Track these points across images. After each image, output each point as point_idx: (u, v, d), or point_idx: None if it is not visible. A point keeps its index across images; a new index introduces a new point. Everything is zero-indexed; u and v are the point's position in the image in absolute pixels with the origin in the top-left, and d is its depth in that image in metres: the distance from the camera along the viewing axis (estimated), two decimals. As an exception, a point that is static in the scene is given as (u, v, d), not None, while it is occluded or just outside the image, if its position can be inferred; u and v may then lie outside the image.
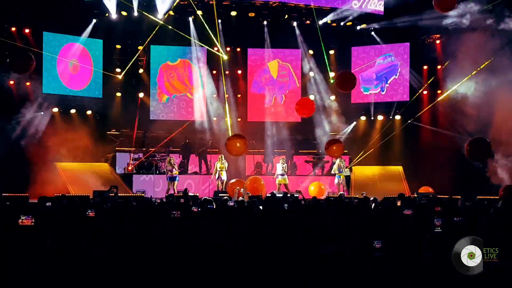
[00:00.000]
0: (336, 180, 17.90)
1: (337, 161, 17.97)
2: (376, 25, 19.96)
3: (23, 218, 5.35)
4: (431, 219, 6.26)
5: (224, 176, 17.31)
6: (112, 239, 6.37)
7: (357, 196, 15.21)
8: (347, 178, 19.05)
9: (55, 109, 18.87)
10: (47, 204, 10.61)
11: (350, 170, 19.36)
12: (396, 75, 20.30)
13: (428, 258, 5.21)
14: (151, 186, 17.95)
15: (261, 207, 10.12)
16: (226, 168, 17.42)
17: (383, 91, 20.62)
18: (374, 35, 20.36)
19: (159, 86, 20.39)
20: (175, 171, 17.13)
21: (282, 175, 17.65)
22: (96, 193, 14.21)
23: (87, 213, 7.97)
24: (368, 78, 20.76)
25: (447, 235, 6.40)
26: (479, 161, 15.00)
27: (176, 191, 16.39)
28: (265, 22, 19.99)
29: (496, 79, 16.02)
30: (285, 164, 17.91)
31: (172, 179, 17.01)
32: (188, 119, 20.52)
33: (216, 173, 17.36)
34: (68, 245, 5.83)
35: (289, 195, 13.64)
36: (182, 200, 10.33)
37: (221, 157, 17.50)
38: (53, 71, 18.48)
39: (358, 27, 20.34)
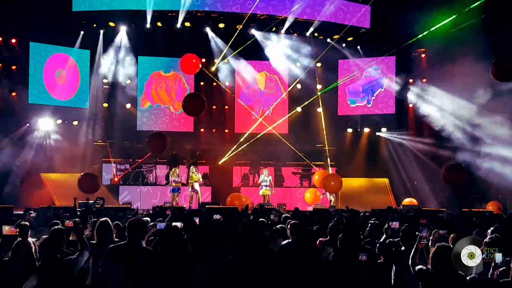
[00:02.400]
0: (328, 194, 17.86)
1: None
2: (362, 39, 20.21)
3: (8, 227, 5.34)
4: (418, 231, 6.31)
5: (198, 187, 17.28)
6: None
7: (343, 208, 15.27)
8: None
9: (41, 119, 18.72)
10: (32, 214, 10.54)
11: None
12: (382, 88, 20.46)
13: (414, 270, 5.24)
14: (149, 197, 18.01)
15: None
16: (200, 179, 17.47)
17: (369, 104, 20.77)
18: (360, 49, 20.58)
19: (145, 92, 20.31)
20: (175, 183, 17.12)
21: (266, 186, 17.69)
22: (81, 204, 14.10)
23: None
24: (355, 91, 20.92)
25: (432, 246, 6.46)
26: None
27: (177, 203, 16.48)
28: (252, 34, 20.05)
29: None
30: (270, 176, 17.94)
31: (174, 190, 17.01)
32: (176, 130, 20.51)
33: (190, 184, 17.32)
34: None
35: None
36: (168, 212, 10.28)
37: (195, 168, 17.43)
38: (39, 81, 18.34)
39: (344, 44, 20.57)
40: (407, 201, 17.46)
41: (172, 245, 5.63)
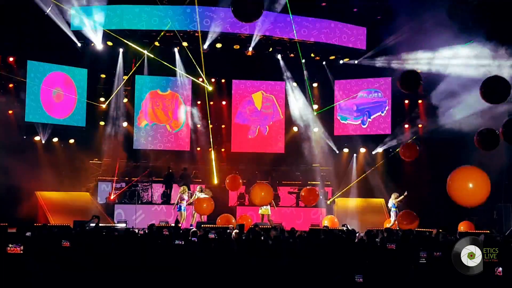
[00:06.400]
0: (392, 215, 17.57)
1: (393, 195, 17.81)
2: (358, 60, 20.39)
3: (11, 246, 5.30)
4: (415, 252, 6.30)
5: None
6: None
7: (338, 228, 15.23)
8: (330, 208, 19.22)
9: (37, 138, 18.72)
10: (27, 234, 10.45)
11: (333, 202, 19.49)
12: (382, 112, 20.48)
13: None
14: (162, 216, 17.94)
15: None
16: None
17: (364, 125, 20.83)
18: (356, 70, 20.75)
19: (142, 110, 20.31)
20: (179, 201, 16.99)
21: (265, 206, 17.62)
22: (76, 223, 14.01)
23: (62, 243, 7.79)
24: (347, 108, 20.98)
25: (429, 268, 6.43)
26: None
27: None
28: (250, 54, 20.18)
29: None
30: None
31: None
32: (172, 148, 20.52)
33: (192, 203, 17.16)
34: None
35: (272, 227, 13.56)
36: (165, 231, 10.24)
37: (202, 188, 17.34)
38: (36, 100, 18.37)
39: (341, 61, 20.72)
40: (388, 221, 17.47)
41: None
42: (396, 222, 17.06)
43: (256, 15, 11.57)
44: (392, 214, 17.43)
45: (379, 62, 19.21)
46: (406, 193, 17.25)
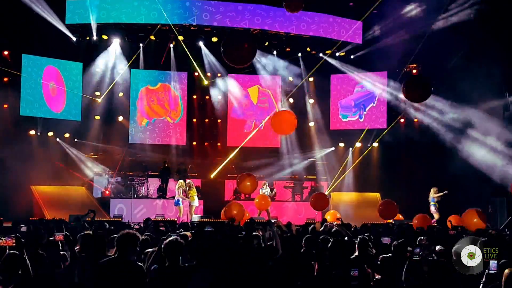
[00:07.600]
0: (432, 208, 17.46)
1: (432, 190, 17.65)
2: (354, 54, 20.36)
3: (3, 238, 5.27)
4: (410, 247, 6.30)
5: (196, 202, 17.09)
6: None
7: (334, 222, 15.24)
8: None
9: (32, 132, 18.65)
10: (22, 228, 10.42)
11: (329, 196, 19.45)
12: (373, 103, 20.55)
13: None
14: (164, 210, 17.90)
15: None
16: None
17: (361, 119, 20.87)
18: (352, 64, 20.71)
19: (139, 109, 20.30)
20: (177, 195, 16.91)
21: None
22: (72, 217, 13.96)
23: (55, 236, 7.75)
24: (347, 106, 21.02)
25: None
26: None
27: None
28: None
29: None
30: (268, 189, 17.94)
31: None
32: (168, 143, 20.50)
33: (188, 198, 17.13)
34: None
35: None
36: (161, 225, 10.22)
37: (191, 183, 17.30)
38: (31, 94, 18.28)
39: (337, 53, 20.68)
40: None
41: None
42: (436, 215, 17.05)
43: (246, 62, 12.23)
44: (432, 208, 17.23)
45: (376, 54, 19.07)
46: (446, 191, 17.19)
